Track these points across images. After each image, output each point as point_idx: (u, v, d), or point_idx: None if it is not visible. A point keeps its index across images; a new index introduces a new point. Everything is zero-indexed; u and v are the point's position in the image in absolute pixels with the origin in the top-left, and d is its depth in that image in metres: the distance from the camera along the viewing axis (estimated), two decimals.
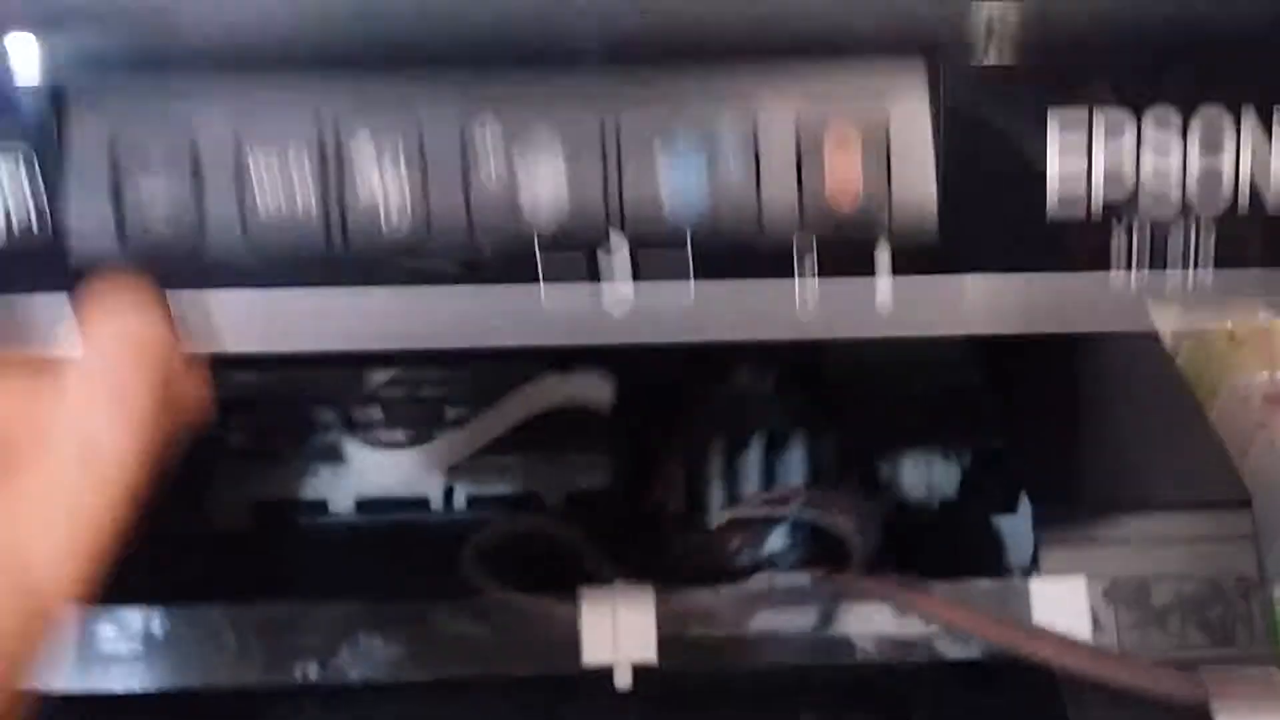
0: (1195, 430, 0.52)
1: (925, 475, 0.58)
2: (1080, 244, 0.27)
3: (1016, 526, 0.52)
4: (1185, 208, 0.27)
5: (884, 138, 0.27)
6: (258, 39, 0.26)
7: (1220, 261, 0.28)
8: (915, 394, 0.53)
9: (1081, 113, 0.27)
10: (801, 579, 0.49)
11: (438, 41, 0.26)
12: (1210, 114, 0.26)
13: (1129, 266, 0.27)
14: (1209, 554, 0.48)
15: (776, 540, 0.51)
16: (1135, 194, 0.27)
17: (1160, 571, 0.48)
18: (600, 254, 0.26)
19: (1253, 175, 0.27)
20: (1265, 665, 0.47)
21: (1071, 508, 0.49)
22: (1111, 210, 0.27)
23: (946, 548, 0.55)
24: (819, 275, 0.27)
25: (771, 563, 0.50)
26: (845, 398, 0.55)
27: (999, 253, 0.28)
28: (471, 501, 0.55)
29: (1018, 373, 0.54)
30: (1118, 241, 0.27)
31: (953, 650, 0.48)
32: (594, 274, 0.27)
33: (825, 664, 0.48)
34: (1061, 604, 0.48)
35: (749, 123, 0.27)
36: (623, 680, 0.47)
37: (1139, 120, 0.26)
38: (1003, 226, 0.28)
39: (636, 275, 0.27)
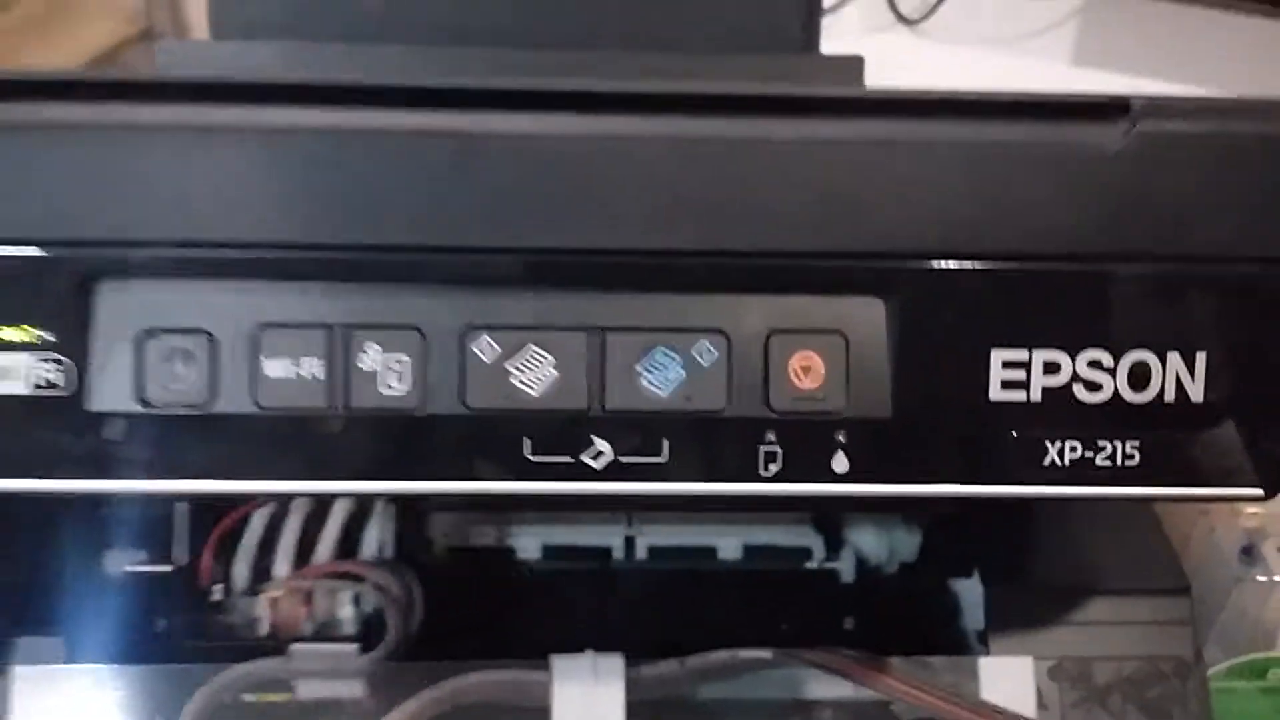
0: (1140, 518, 0.55)
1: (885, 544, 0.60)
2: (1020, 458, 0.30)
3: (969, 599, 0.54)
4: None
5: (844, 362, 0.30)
6: (274, 247, 0.29)
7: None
8: None
9: (1021, 352, 0.30)
10: (763, 652, 0.51)
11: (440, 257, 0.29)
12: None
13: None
14: (1149, 637, 0.51)
15: (339, 611, 0.50)
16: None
17: (1103, 653, 0.51)
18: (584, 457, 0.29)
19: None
20: None
21: (1022, 590, 0.52)
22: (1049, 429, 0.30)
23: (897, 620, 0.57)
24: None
25: (325, 634, 0.50)
26: None
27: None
28: None
29: None
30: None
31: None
32: (578, 474, 0.29)
33: None
34: (1009, 681, 0.50)
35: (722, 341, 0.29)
36: None
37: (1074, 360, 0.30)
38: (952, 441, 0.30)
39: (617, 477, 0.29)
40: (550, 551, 0.59)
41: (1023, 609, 0.52)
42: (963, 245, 0.30)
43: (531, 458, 0.30)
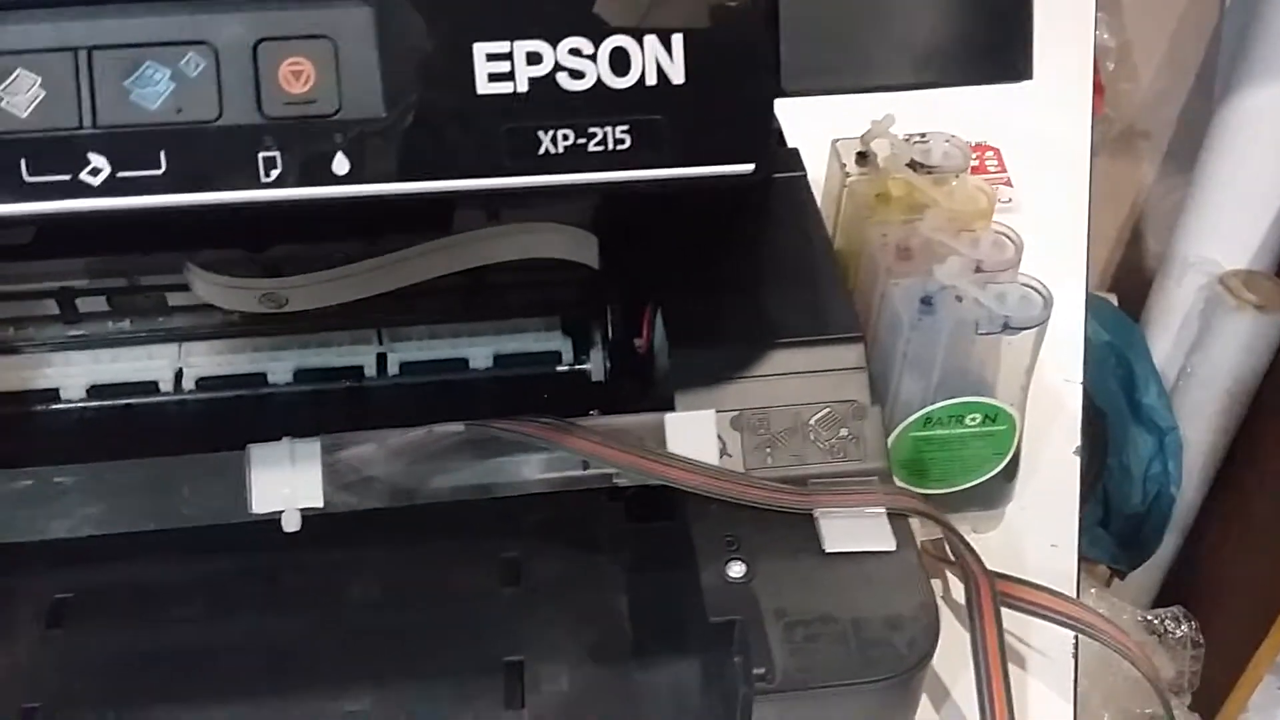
0: (823, 275, 0.57)
1: None
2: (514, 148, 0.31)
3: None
4: None
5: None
6: None
7: None
8: None
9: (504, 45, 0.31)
10: (458, 426, 0.53)
11: None
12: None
13: None
14: (826, 383, 0.54)
15: None
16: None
17: (782, 401, 0.53)
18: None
19: None
20: (869, 477, 0.52)
21: (705, 348, 0.54)
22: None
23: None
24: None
25: None
26: None
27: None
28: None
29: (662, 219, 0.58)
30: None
31: (597, 481, 0.52)
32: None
33: (489, 500, 0.52)
34: (693, 434, 0.52)
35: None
36: (291, 524, 0.50)
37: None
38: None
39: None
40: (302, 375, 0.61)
41: (705, 367, 0.54)
42: None
43: (29, 179, 0.31)
